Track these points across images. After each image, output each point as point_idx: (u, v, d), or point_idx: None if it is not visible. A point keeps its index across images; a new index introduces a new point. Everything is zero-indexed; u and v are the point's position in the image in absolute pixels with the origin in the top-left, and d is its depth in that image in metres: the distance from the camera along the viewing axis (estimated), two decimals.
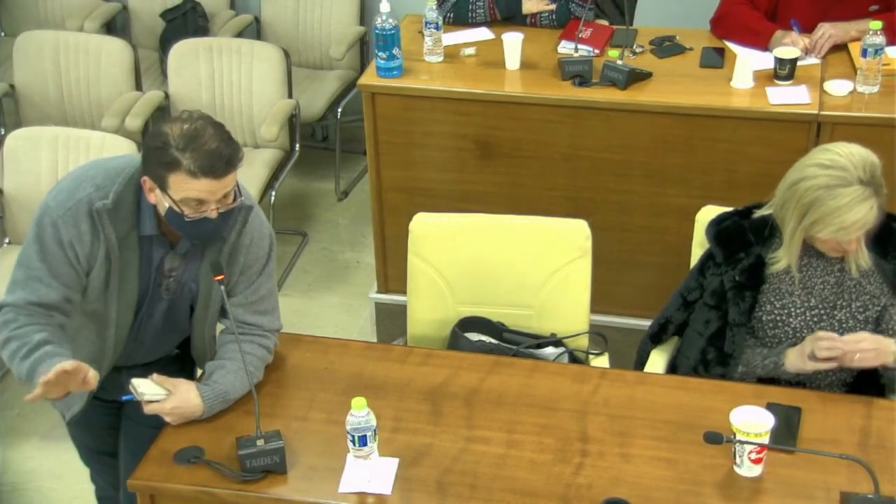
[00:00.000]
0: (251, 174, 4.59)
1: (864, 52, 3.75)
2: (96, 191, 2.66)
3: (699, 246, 3.16)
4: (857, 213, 2.74)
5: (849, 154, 2.77)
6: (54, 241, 2.65)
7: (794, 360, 2.88)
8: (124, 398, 2.77)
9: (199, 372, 2.96)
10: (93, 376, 2.59)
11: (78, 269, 2.68)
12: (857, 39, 3.88)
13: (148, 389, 2.73)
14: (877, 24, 3.70)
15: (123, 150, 4.02)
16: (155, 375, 2.77)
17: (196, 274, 2.82)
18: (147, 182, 2.62)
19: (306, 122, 5.16)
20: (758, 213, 2.98)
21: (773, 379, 2.95)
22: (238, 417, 2.79)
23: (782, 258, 2.91)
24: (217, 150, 2.54)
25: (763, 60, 3.92)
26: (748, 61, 3.86)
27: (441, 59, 4.09)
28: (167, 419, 2.76)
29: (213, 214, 2.61)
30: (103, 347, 2.82)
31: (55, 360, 2.57)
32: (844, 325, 2.91)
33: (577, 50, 4.00)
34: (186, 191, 2.56)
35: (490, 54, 4.11)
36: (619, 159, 3.94)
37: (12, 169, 4.20)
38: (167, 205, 2.60)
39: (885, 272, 2.91)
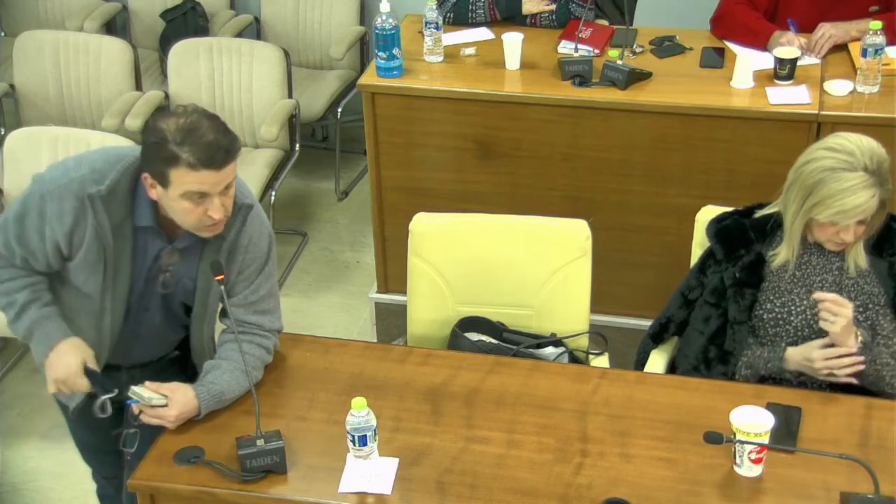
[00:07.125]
0: (251, 174, 4.57)
1: (864, 52, 3.75)
2: (91, 174, 2.66)
3: (699, 246, 3.16)
4: (858, 199, 2.74)
5: (858, 141, 2.79)
6: (36, 210, 2.69)
7: (797, 357, 2.88)
8: (129, 402, 2.76)
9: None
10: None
11: (46, 243, 2.70)
12: (857, 39, 3.88)
13: (147, 395, 2.73)
14: (877, 24, 3.70)
15: None
16: (148, 383, 2.76)
17: (194, 271, 2.81)
18: (148, 179, 2.61)
19: (306, 122, 5.16)
20: (760, 213, 2.99)
21: (773, 378, 2.95)
22: (238, 417, 2.79)
23: (782, 252, 2.91)
24: (215, 142, 2.54)
25: (763, 60, 3.92)
26: (748, 61, 3.86)
27: (441, 59, 4.09)
28: (168, 426, 2.75)
29: (217, 211, 2.60)
30: (99, 338, 2.83)
31: (47, 328, 2.78)
32: None
33: (577, 50, 4.00)
34: (188, 184, 2.55)
35: (490, 54, 4.11)
36: (619, 159, 3.94)
37: (12, 169, 4.20)
38: (171, 203, 2.60)
39: (880, 270, 2.91)
